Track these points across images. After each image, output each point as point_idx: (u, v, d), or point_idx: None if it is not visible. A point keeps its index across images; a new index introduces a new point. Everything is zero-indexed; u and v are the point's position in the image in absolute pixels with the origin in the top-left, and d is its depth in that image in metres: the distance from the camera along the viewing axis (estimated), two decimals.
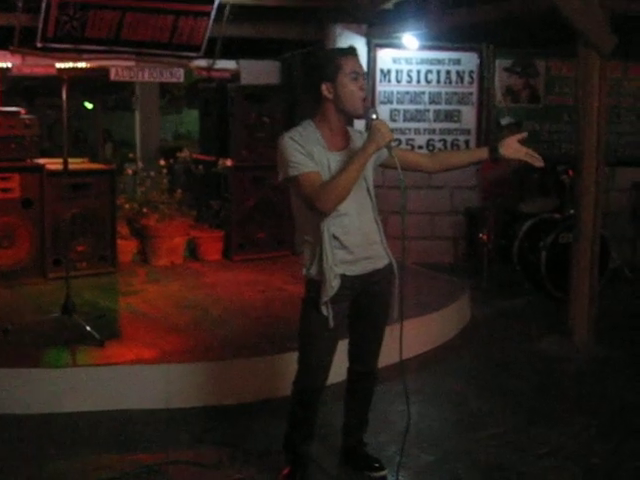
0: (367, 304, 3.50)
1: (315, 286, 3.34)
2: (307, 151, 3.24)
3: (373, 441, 4.02)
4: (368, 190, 3.42)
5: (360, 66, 3.33)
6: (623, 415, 4.62)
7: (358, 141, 3.40)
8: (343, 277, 3.33)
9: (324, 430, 3.97)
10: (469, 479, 3.80)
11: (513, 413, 4.62)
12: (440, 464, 3.95)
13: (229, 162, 7.78)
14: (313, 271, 3.35)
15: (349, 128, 3.47)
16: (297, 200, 3.36)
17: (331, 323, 3.34)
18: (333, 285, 3.29)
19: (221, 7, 7.38)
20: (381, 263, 3.46)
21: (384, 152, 3.37)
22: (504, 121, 7.96)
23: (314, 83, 3.33)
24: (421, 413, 4.61)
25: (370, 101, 3.38)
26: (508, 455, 4.05)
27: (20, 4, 6.58)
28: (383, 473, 3.76)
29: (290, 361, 4.71)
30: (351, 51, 3.35)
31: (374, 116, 3.26)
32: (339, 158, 3.31)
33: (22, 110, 6.75)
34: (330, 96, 3.30)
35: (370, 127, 3.24)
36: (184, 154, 8.81)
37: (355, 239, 3.34)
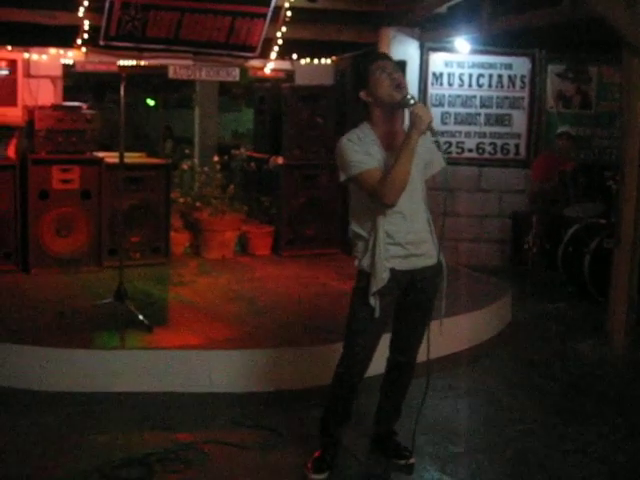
0: (414, 298, 3.67)
1: (366, 277, 3.54)
2: (365, 150, 3.45)
3: (405, 430, 4.16)
4: (422, 192, 3.60)
5: (388, 64, 3.54)
6: None
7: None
8: (393, 271, 3.52)
9: (357, 418, 4.12)
10: (493, 471, 3.93)
11: (543, 411, 4.73)
12: (466, 456, 4.07)
13: (280, 160, 7.98)
14: (365, 263, 3.55)
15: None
16: (358, 197, 3.59)
17: (377, 313, 3.52)
18: (383, 277, 3.49)
19: (277, 9, 7.58)
20: (431, 261, 3.61)
21: (434, 164, 3.65)
22: (560, 129, 8.04)
23: (357, 95, 3.56)
24: (454, 407, 4.76)
25: (407, 89, 3.52)
26: (534, 450, 4.16)
27: (85, 4, 6.87)
28: (411, 461, 3.90)
29: (328, 353, 4.92)
30: (379, 56, 3.64)
31: (412, 101, 3.41)
32: (394, 157, 3.44)
33: (84, 105, 7.06)
34: (370, 99, 3.52)
35: (410, 114, 3.40)
36: (239, 151, 9.05)
37: (407, 236, 3.53)
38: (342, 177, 3.55)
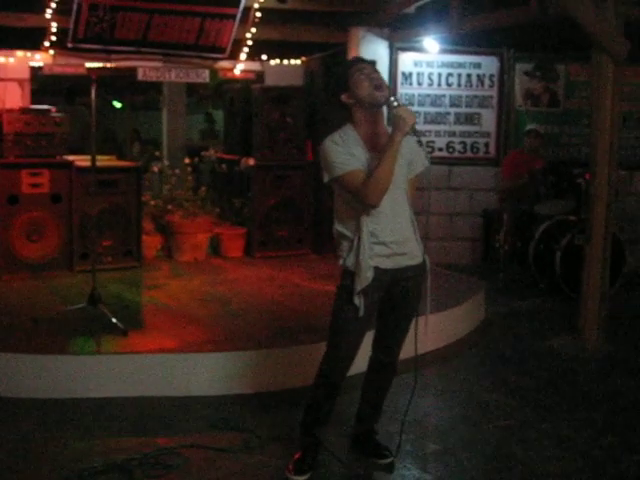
0: (398, 298, 3.69)
1: (350, 276, 3.56)
2: (348, 152, 3.48)
3: (384, 429, 4.17)
4: (406, 193, 3.62)
5: (367, 66, 3.57)
6: (628, 411, 4.75)
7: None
8: (377, 269, 3.54)
9: (337, 417, 4.12)
10: (473, 468, 3.95)
11: (520, 407, 4.76)
12: (446, 453, 4.09)
13: (251, 161, 7.96)
14: (349, 262, 3.57)
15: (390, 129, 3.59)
16: (341, 197, 3.61)
17: (361, 312, 3.55)
18: (367, 276, 3.51)
19: (246, 10, 7.57)
20: (415, 260, 3.65)
21: (417, 164, 3.65)
22: (528, 126, 8.09)
23: (338, 99, 3.58)
24: (430, 405, 4.78)
25: (391, 91, 3.56)
26: (513, 446, 4.19)
27: (52, 6, 6.80)
28: (390, 460, 3.91)
29: (305, 353, 4.94)
30: (357, 61, 3.65)
31: (395, 103, 3.46)
32: (377, 158, 3.46)
33: (53, 108, 6.99)
34: (351, 100, 3.55)
35: (393, 116, 3.43)
36: (209, 153, 9.02)
37: (391, 235, 3.55)
38: (326, 178, 3.57)
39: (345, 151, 3.48)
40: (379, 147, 3.50)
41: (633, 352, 5.86)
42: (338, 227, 3.65)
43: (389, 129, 3.53)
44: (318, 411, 3.84)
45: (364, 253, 3.51)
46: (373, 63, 3.75)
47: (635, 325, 6.59)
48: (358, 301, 3.54)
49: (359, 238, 3.52)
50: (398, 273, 3.62)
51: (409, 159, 3.61)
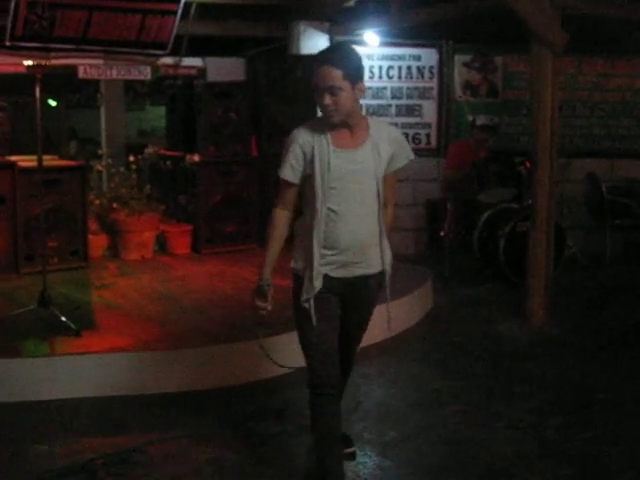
0: (352, 306, 3.50)
1: (299, 282, 3.38)
2: (304, 150, 3.30)
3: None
4: (378, 194, 3.36)
5: (320, 78, 3.25)
6: (574, 391, 4.91)
7: (379, 137, 3.35)
8: (326, 277, 3.34)
9: (293, 409, 4.18)
10: (432, 452, 4.04)
11: (472, 392, 4.89)
12: (404, 440, 4.18)
13: (196, 157, 7.95)
14: (299, 265, 3.41)
15: (373, 122, 3.40)
16: (303, 194, 3.43)
17: (314, 320, 3.34)
18: (315, 285, 3.32)
19: (187, 5, 7.52)
20: (372, 270, 3.42)
21: (400, 157, 3.41)
22: (479, 120, 8.16)
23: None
24: (385, 394, 4.88)
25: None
26: (468, 430, 4.31)
27: None
28: (352, 450, 3.96)
29: (257, 347, 4.97)
30: (317, 58, 3.32)
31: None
32: (343, 155, 3.30)
33: None
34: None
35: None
36: (150, 150, 8.97)
37: (346, 243, 3.32)
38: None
39: (300, 151, 3.30)
40: (347, 144, 3.32)
41: (578, 334, 6.04)
42: (296, 224, 3.49)
43: (373, 124, 3.36)
44: (323, 440, 3.43)
45: (314, 259, 3.30)
46: (340, 48, 3.42)
47: (578, 307, 6.78)
48: (308, 307, 3.34)
49: (310, 242, 3.32)
50: (352, 282, 3.41)
51: (390, 154, 3.38)
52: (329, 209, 3.30)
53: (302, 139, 3.33)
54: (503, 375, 5.19)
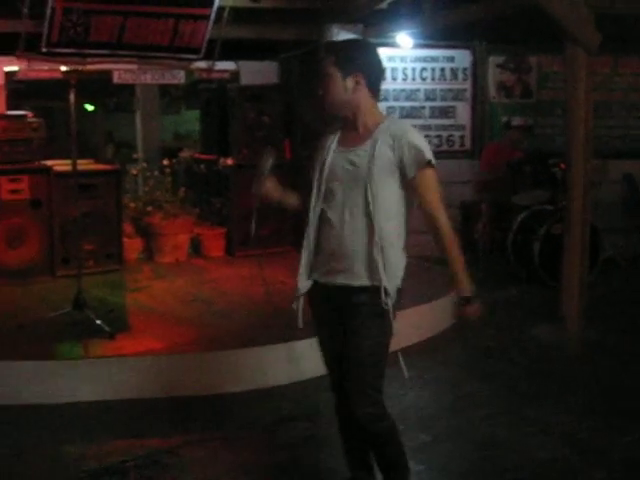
0: (344, 319, 3.17)
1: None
2: (322, 153, 3.20)
3: None
4: (367, 199, 3.04)
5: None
6: (609, 396, 4.84)
7: (381, 138, 3.06)
8: (315, 282, 3.23)
9: (324, 412, 4.17)
10: (463, 457, 4.02)
11: (504, 395, 4.85)
12: (435, 444, 4.16)
13: (230, 161, 7.99)
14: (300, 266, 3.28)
15: (389, 121, 3.15)
16: None
17: (299, 323, 3.25)
18: (299, 287, 3.22)
19: (220, 9, 7.57)
20: (357, 282, 3.08)
21: (409, 169, 3.04)
22: (515, 121, 8.11)
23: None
24: (417, 397, 4.85)
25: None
26: (499, 434, 4.27)
27: (25, 11, 6.75)
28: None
29: (291, 350, 4.99)
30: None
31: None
32: (340, 154, 3.15)
33: (29, 114, 6.97)
34: None
35: None
36: (185, 154, 9.03)
37: (330, 248, 3.14)
38: None
39: (317, 157, 3.23)
40: (351, 143, 3.14)
41: (613, 337, 5.97)
42: None
43: (385, 118, 3.15)
44: (345, 446, 3.42)
45: (304, 259, 3.21)
46: (346, 40, 3.36)
47: (614, 310, 6.70)
48: (296, 307, 3.24)
49: (306, 243, 3.21)
50: (333, 290, 3.15)
51: (391, 158, 3.05)
52: (322, 210, 3.15)
53: (323, 142, 3.25)
54: (537, 378, 5.15)
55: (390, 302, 3.07)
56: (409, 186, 3.10)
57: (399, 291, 3.15)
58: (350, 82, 3.09)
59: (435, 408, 4.70)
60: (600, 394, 4.86)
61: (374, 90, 3.16)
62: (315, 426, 4.36)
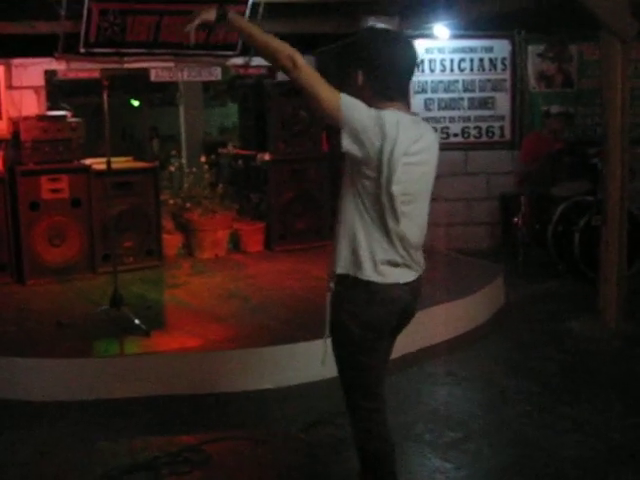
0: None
1: None
2: None
3: (402, 419, 4.23)
4: (347, 188, 2.99)
5: None
6: None
7: None
8: None
9: None
10: (493, 455, 3.99)
11: (540, 392, 4.80)
12: (466, 441, 4.14)
13: (267, 156, 8.02)
14: None
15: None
16: None
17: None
18: None
19: (255, 5, 7.60)
20: (332, 267, 3.09)
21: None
22: (554, 109, 8.01)
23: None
24: (450, 393, 4.83)
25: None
26: (532, 432, 4.23)
27: (63, 12, 6.88)
28: None
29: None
30: None
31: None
32: None
33: (69, 114, 7.09)
34: None
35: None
36: (227, 149, 9.10)
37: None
38: None
39: None
40: None
41: None
42: None
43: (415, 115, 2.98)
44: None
45: None
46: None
47: None
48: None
49: None
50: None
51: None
52: None
53: None
54: (572, 375, 5.09)
55: None
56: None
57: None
58: (358, 79, 2.95)
59: (467, 405, 4.68)
60: (635, 391, 4.78)
61: (382, 87, 2.91)
62: (343, 427, 4.35)
